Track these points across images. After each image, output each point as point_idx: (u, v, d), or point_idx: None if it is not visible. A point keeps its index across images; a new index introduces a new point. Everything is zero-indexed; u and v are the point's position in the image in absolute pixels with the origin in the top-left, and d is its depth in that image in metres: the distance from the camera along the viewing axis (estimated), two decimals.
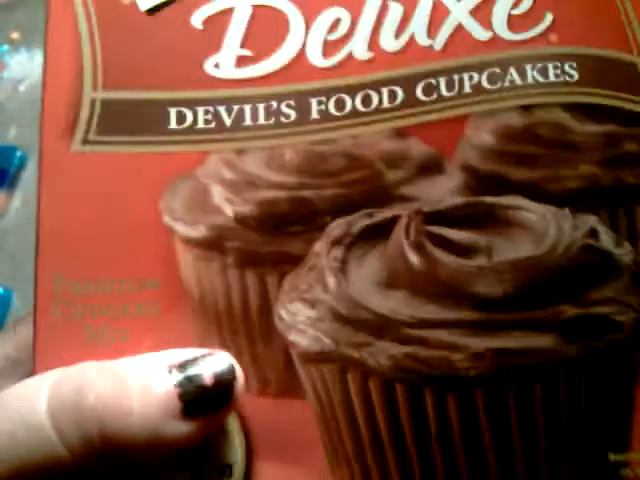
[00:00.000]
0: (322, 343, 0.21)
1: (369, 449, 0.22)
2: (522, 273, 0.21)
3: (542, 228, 0.22)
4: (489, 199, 0.23)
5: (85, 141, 0.23)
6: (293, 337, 0.22)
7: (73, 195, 0.23)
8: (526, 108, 0.24)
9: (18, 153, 0.73)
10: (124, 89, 0.23)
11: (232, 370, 0.20)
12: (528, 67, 0.24)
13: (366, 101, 0.23)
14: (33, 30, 0.80)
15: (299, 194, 0.23)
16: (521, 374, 0.21)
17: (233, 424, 0.22)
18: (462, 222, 0.23)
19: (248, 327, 0.23)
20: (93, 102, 0.23)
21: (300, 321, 0.22)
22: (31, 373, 0.21)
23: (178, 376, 0.19)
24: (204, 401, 0.19)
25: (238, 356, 0.21)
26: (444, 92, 0.24)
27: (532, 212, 0.23)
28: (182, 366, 0.19)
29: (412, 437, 0.21)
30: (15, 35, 0.76)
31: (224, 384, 0.20)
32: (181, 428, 0.19)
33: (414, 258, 0.22)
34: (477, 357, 0.20)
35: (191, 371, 0.19)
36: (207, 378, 0.19)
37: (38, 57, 0.77)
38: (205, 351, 0.20)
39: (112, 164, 0.23)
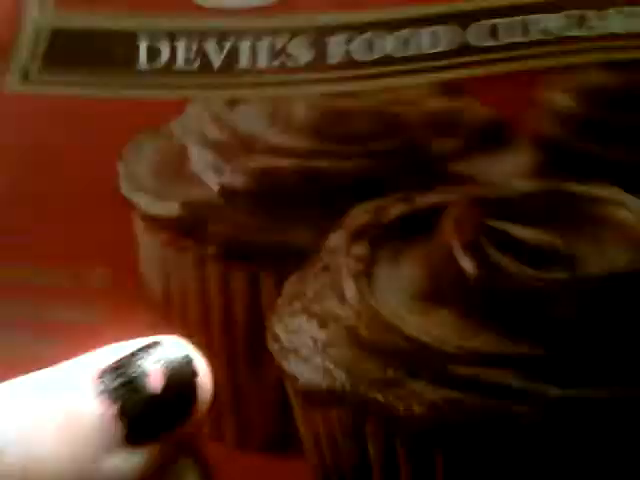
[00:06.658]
0: (333, 378, 0.18)
1: None
2: (614, 292, 0.18)
3: None
4: (573, 187, 0.20)
5: (25, 79, 0.20)
6: (292, 367, 0.19)
7: (1, 147, 0.20)
8: (618, 65, 0.21)
9: None
10: (80, 10, 0.20)
11: (189, 361, 0.16)
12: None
13: (404, 43, 0.20)
14: None
15: (311, 164, 0.20)
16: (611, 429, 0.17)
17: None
18: (534, 217, 0.20)
19: (229, 347, 0.21)
20: (38, 28, 0.20)
21: (303, 344, 0.19)
22: None
23: (112, 384, 0.15)
24: (155, 415, 0.15)
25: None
26: (506, 38, 0.20)
27: (630, 210, 0.20)
28: (117, 368, 0.15)
29: None
30: None
31: (180, 384, 0.15)
32: (127, 462, 0.15)
33: (468, 265, 0.19)
34: (550, 408, 0.17)
35: (130, 374, 0.15)
36: (154, 380, 0.15)
37: None
38: (146, 341, 0.16)
39: (58, 110, 0.20)
